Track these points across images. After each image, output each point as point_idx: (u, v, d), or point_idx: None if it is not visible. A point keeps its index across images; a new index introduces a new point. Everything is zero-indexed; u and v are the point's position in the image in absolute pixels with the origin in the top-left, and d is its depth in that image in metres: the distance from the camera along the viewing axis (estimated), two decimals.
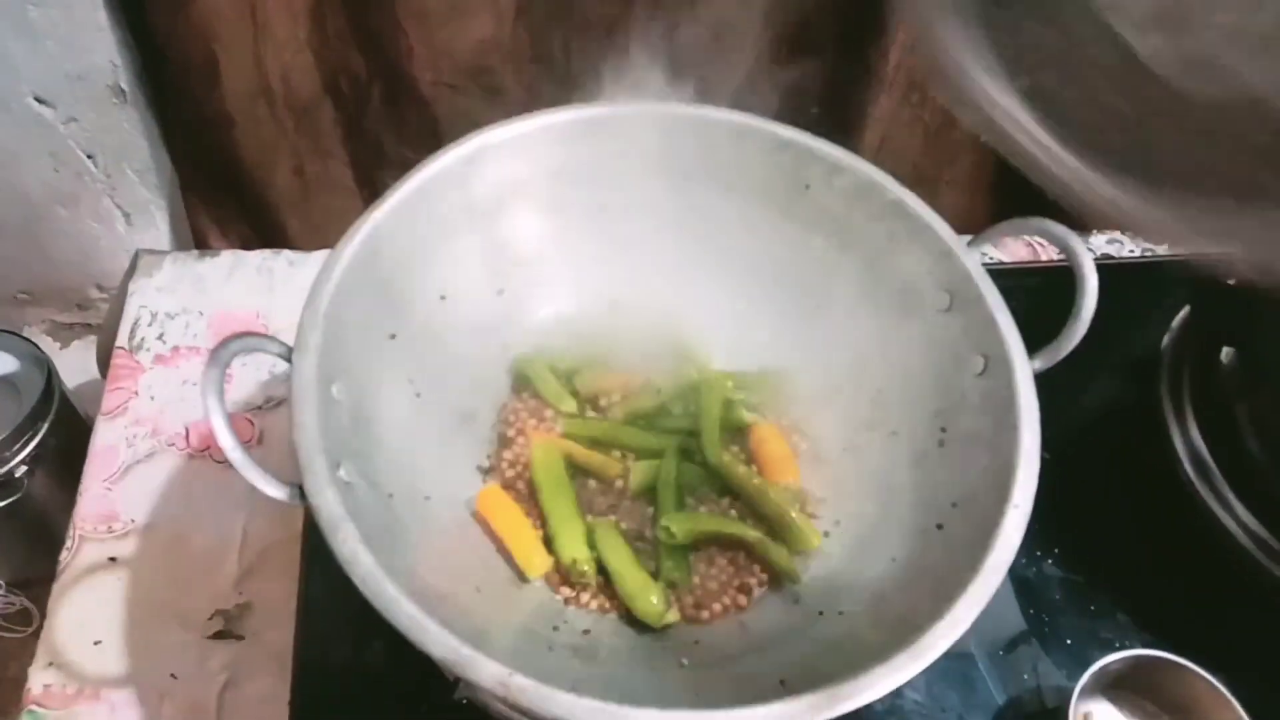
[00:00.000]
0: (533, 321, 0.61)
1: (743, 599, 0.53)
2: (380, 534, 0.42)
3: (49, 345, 1.05)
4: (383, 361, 0.50)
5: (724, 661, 0.48)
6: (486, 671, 0.37)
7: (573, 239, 0.59)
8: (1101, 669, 0.51)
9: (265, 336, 0.42)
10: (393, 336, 0.51)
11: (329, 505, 0.39)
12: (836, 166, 0.55)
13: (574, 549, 0.51)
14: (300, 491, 0.40)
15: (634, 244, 0.59)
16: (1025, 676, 0.56)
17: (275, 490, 0.40)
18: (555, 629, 0.49)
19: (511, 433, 0.58)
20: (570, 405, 0.59)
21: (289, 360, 0.43)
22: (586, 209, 0.59)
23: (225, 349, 0.40)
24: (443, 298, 0.55)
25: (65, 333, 1.07)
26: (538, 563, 0.51)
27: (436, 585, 0.43)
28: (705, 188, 0.59)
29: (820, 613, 0.49)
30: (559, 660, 0.46)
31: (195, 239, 0.90)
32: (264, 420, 0.68)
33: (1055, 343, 0.49)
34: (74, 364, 1.02)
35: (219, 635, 0.59)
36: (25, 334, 0.99)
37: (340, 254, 0.47)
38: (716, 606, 0.51)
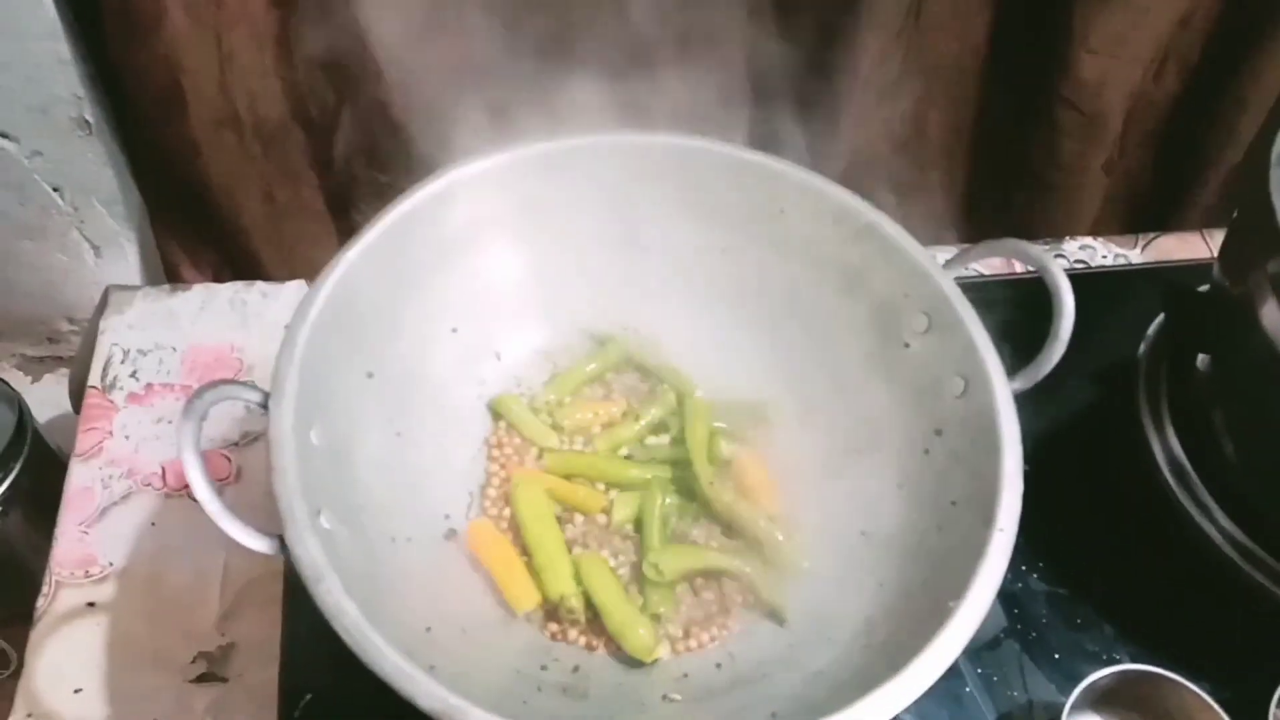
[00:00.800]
0: (511, 355, 0.60)
1: (732, 624, 0.52)
2: (363, 580, 0.41)
3: (19, 380, 1.03)
4: (361, 402, 0.50)
5: (713, 695, 0.47)
6: None
7: (548, 271, 0.59)
8: (1090, 685, 0.51)
9: (241, 384, 0.42)
10: (370, 375, 0.50)
11: (311, 556, 0.39)
12: (807, 190, 0.55)
13: (561, 585, 0.51)
14: (282, 542, 0.40)
15: (609, 274, 0.59)
16: (1014, 693, 0.56)
17: (256, 543, 0.40)
18: (544, 668, 0.48)
19: (494, 469, 0.57)
20: (551, 440, 0.58)
21: (266, 408, 0.42)
22: (561, 241, 0.58)
23: (200, 400, 0.40)
24: (419, 335, 0.54)
25: (36, 366, 1.06)
26: (526, 598, 0.51)
27: (421, 629, 0.43)
28: (679, 215, 0.59)
29: (807, 642, 0.48)
30: (548, 701, 0.45)
31: (166, 270, 0.89)
32: (241, 456, 0.67)
33: (1034, 364, 0.49)
34: (46, 398, 1.01)
35: (202, 678, 0.58)
36: None
37: (314, 295, 0.46)
38: (705, 636, 0.51)
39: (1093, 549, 0.62)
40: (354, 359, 0.50)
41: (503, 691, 0.45)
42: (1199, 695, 0.51)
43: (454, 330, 0.56)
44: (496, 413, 0.59)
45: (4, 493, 0.84)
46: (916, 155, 0.91)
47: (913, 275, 0.52)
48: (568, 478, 0.57)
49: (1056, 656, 0.58)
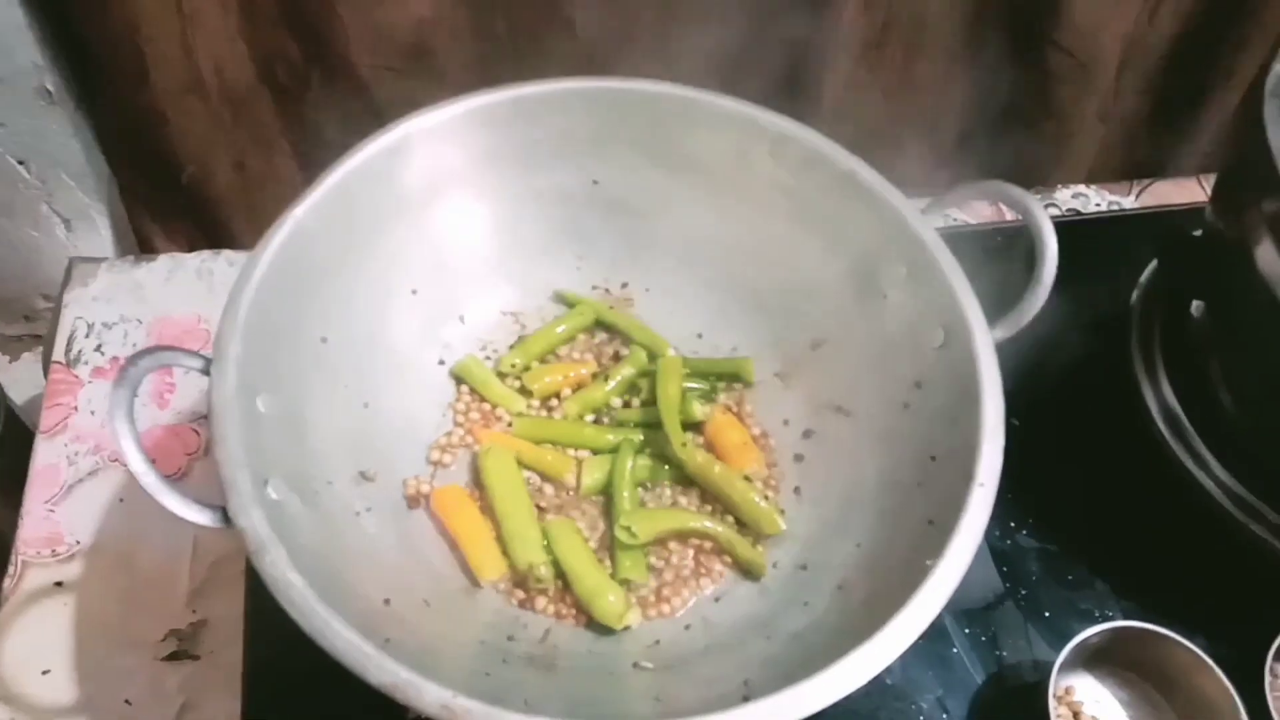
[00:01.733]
0: (475, 317, 0.59)
1: (706, 586, 0.51)
2: (316, 552, 0.40)
3: None
4: (315, 368, 0.48)
5: (685, 662, 0.46)
6: (429, 696, 0.35)
7: (511, 227, 0.56)
8: (1081, 642, 0.49)
9: (178, 350, 0.40)
10: (324, 340, 0.49)
11: (255, 527, 0.37)
12: (784, 137, 0.53)
13: (530, 553, 0.49)
14: (225, 514, 0.38)
15: (576, 230, 0.57)
16: (1004, 652, 0.55)
17: (197, 515, 0.38)
18: (511, 639, 0.47)
19: (459, 434, 0.56)
20: (519, 405, 0.56)
21: (208, 374, 0.40)
22: (524, 195, 0.56)
23: (135, 367, 0.38)
24: (376, 297, 0.52)
25: (14, 345, 1.04)
26: (491, 566, 0.49)
27: (379, 602, 0.41)
28: (649, 166, 0.56)
29: (784, 605, 0.47)
30: (514, 673, 0.44)
31: (139, 242, 0.87)
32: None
33: (1015, 310, 0.47)
34: (23, 376, 0.99)
35: (174, 656, 0.57)
36: None
37: (259, 257, 0.44)
38: (677, 600, 0.50)
39: (1084, 504, 0.61)
40: (305, 323, 0.48)
41: (465, 664, 0.43)
42: (1194, 652, 0.49)
43: (414, 292, 0.55)
44: (460, 378, 0.57)
45: None
46: (904, 105, 0.88)
47: (891, 223, 0.50)
48: (536, 443, 0.55)
49: (1047, 615, 0.56)
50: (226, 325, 0.42)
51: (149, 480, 0.37)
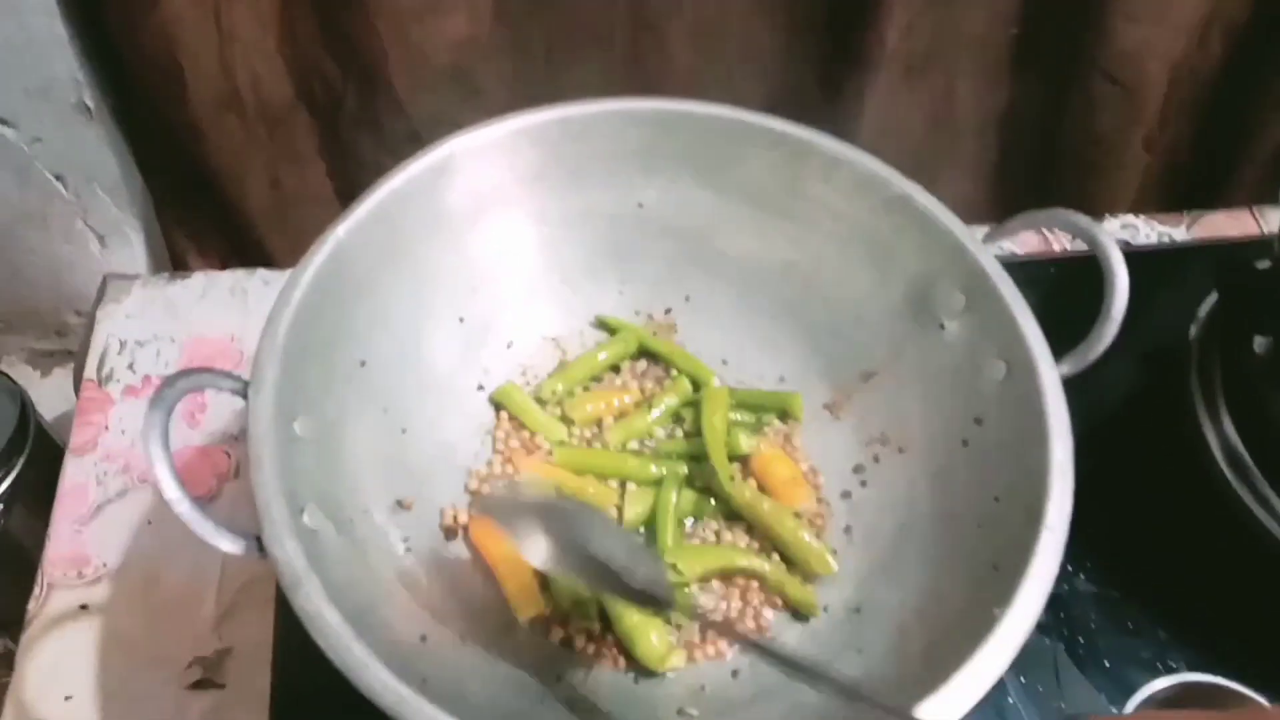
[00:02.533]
0: (516, 342, 0.57)
1: (755, 627, 0.49)
2: (351, 584, 0.38)
3: (28, 374, 1.02)
4: (353, 391, 0.46)
5: (733, 709, 0.44)
6: None
7: (554, 250, 0.55)
8: (1148, 699, 0.47)
9: (216, 372, 0.39)
10: (363, 363, 0.47)
11: (289, 558, 0.36)
12: (835, 160, 0.51)
13: (571, 588, 0.47)
14: (259, 542, 0.36)
15: (621, 253, 0.56)
16: (1062, 704, 0.52)
17: (231, 545, 0.37)
18: (549, 679, 0.45)
19: (499, 463, 0.54)
20: (559, 433, 0.55)
21: (245, 396, 0.39)
22: (568, 217, 0.55)
23: (171, 389, 0.36)
24: (416, 320, 0.51)
25: (45, 361, 1.04)
26: (529, 603, 0.47)
27: (415, 637, 0.39)
28: (697, 188, 0.55)
29: (836, 650, 0.45)
30: (553, 715, 0.42)
31: (172, 259, 0.87)
32: (242, 451, 0.64)
33: (1084, 344, 0.45)
34: (55, 392, 0.99)
35: (198, 684, 0.55)
36: (3, 364, 0.95)
37: (299, 277, 0.43)
38: (724, 643, 0.48)
39: (1144, 547, 0.58)
40: (344, 345, 0.46)
41: (502, 706, 0.41)
42: (1265, 708, 0.47)
43: (454, 315, 0.53)
44: (500, 404, 0.56)
45: (8, 488, 0.82)
46: (945, 133, 0.87)
47: (948, 250, 0.48)
48: (578, 474, 0.53)
49: (1106, 664, 0.54)
50: (265, 347, 0.41)
51: (183, 508, 0.36)
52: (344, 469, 0.44)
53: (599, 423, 0.56)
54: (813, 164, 0.52)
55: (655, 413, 0.55)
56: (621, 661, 0.47)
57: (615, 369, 0.58)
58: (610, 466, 0.53)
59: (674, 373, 0.57)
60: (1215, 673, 0.48)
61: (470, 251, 0.53)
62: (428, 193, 0.49)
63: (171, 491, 0.36)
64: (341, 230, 0.45)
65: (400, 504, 0.48)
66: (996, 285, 0.46)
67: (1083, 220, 0.45)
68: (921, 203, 0.49)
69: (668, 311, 0.59)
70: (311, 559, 0.36)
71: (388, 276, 0.49)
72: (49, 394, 0.97)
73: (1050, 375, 0.44)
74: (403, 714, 0.34)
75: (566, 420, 0.55)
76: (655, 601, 0.41)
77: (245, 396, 0.39)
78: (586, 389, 0.57)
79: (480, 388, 0.56)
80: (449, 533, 0.50)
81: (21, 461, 0.83)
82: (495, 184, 0.52)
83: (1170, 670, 0.52)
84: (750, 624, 0.49)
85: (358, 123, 0.78)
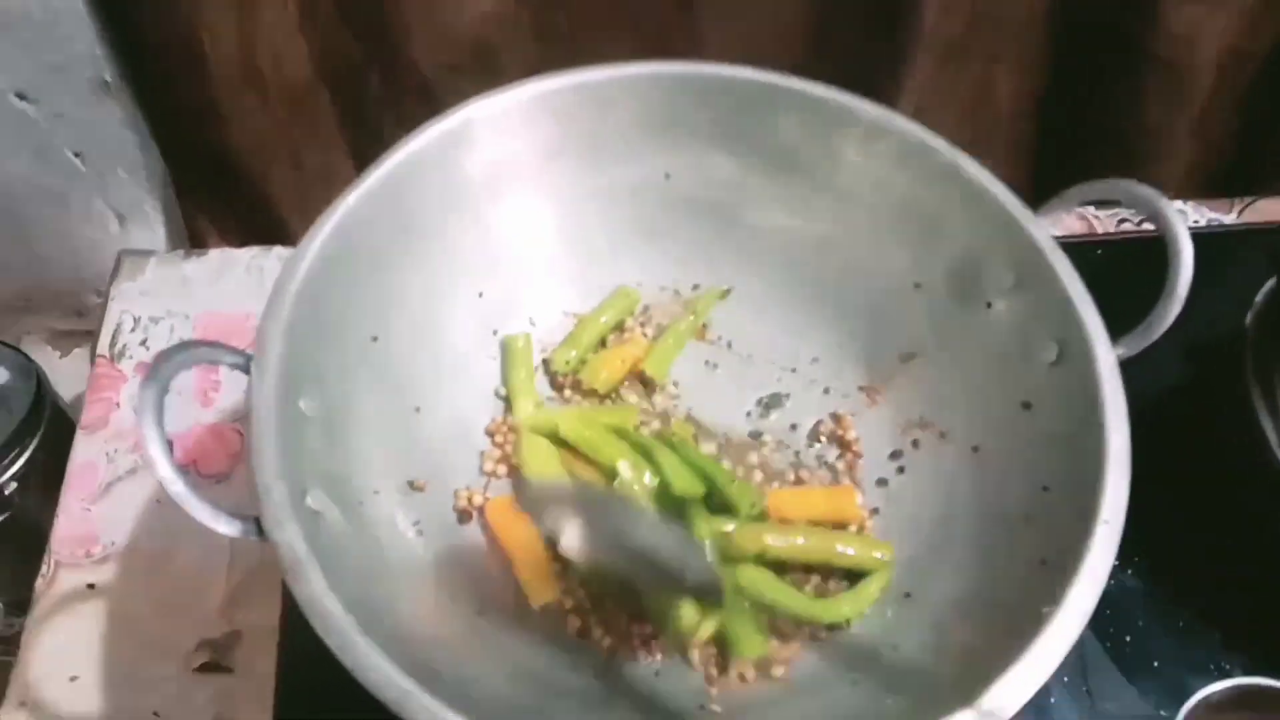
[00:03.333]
0: (535, 317, 0.55)
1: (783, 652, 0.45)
2: (355, 570, 0.36)
3: (48, 355, 1.01)
4: (364, 368, 0.44)
5: (758, 708, 0.41)
6: None
7: (576, 223, 0.53)
8: (1200, 702, 0.44)
9: (216, 345, 0.37)
10: (375, 339, 0.45)
11: (290, 542, 0.34)
12: (878, 128, 0.48)
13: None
14: (259, 525, 0.34)
15: (646, 227, 0.54)
16: (1108, 705, 0.49)
17: (228, 526, 0.35)
18: (563, 672, 0.43)
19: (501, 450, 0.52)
20: (527, 406, 0.52)
21: (247, 371, 0.37)
22: (590, 189, 0.53)
23: (167, 362, 0.35)
24: (431, 294, 0.49)
25: (65, 341, 1.04)
26: (542, 589, 0.45)
27: (425, 626, 0.37)
28: (727, 159, 0.52)
29: (870, 647, 0.42)
30: (565, 710, 0.40)
31: (191, 239, 0.86)
32: None
33: (1145, 323, 0.42)
34: (74, 372, 0.98)
35: (205, 668, 0.54)
36: (24, 343, 0.95)
37: (307, 247, 0.41)
38: (751, 672, 0.44)
39: (1197, 544, 0.55)
40: (355, 320, 0.44)
41: (514, 701, 0.39)
42: None
43: (472, 289, 0.51)
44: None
45: (21, 467, 0.81)
46: (984, 118, 0.84)
47: (999, 224, 0.45)
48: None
49: (1156, 665, 0.51)
50: (270, 320, 0.39)
51: (176, 488, 0.34)
52: (353, 449, 0.42)
53: (619, 383, 0.54)
54: (852, 131, 0.49)
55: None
56: (641, 654, 0.44)
57: (620, 328, 0.56)
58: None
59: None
60: (1273, 675, 0.45)
61: (489, 224, 0.51)
62: (443, 161, 0.47)
63: (164, 470, 0.34)
64: (352, 198, 0.43)
65: (412, 485, 0.46)
66: (1051, 262, 0.43)
67: (1146, 191, 0.42)
68: (971, 173, 0.46)
69: (695, 287, 0.57)
70: (314, 543, 0.34)
71: (402, 249, 0.47)
72: (68, 375, 0.96)
73: (1107, 358, 0.41)
74: (407, 709, 0.32)
75: (589, 392, 0.53)
76: (705, 592, 0.39)
77: (248, 371, 0.37)
78: (598, 354, 0.55)
79: (494, 359, 0.53)
80: (463, 516, 0.48)
81: (36, 441, 0.82)
82: (514, 152, 0.50)
83: (1224, 673, 0.49)
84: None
85: (380, 102, 0.76)
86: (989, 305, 0.47)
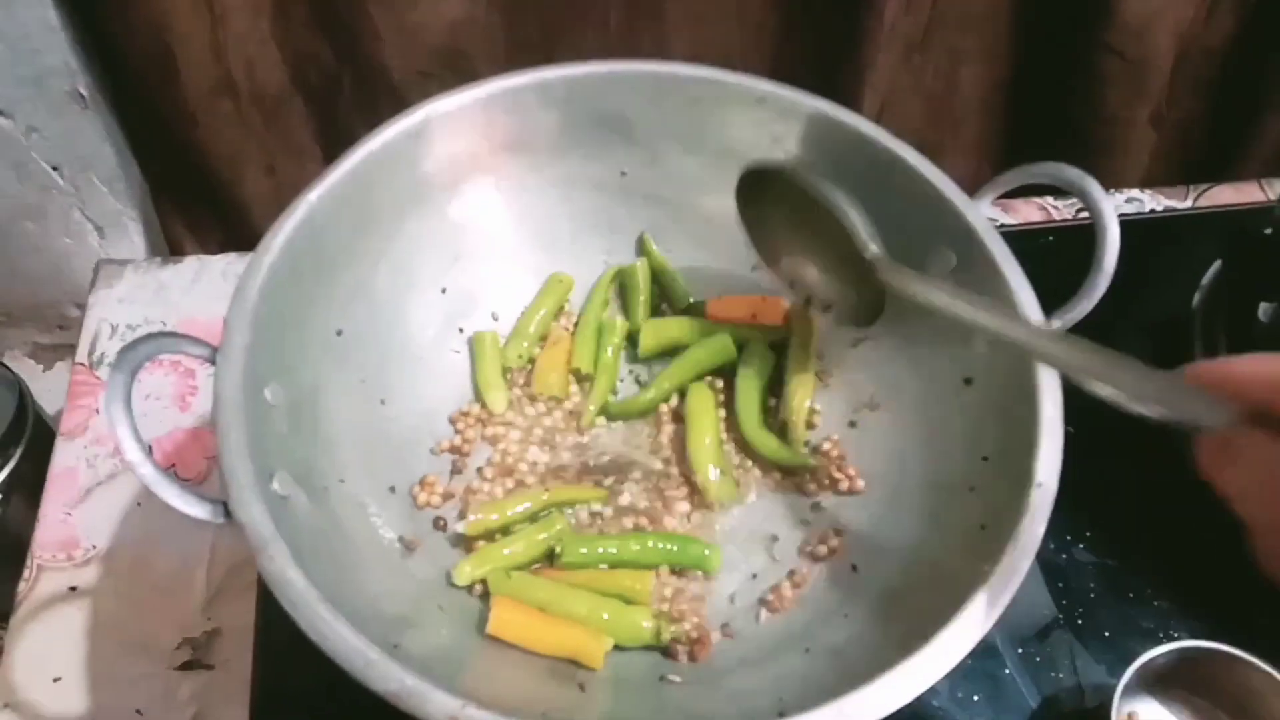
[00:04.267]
0: (497, 309, 0.56)
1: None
2: (321, 551, 0.37)
3: (31, 368, 1.02)
4: (329, 360, 0.46)
5: (717, 676, 0.43)
6: (435, 705, 0.32)
7: (536, 218, 0.54)
8: (1145, 664, 0.46)
9: (182, 336, 0.38)
10: (339, 333, 0.46)
11: (255, 521, 0.35)
12: (820, 121, 0.50)
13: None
14: (226, 508, 0.36)
15: (605, 220, 0.55)
16: (1060, 675, 0.51)
17: (196, 509, 0.36)
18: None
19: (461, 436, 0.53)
20: (500, 404, 0.54)
21: (213, 362, 0.38)
22: (549, 184, 0.54)
23: (134, 352, 0.36)
24: (394, 287, 0.50)
25: (47, 354, 1.04)
26: (595, 650, 0.44)
27: (389, 605, 0.38)
28: (681, 153, 0.54)
29: (824, 615, 0.44)
30: (533, 683, 0.41)
31: (170, 248, 0.87)
32: None
33: (1074, 299, 0.44)
34: (56, 385, 0.99)
35: (187, 665, 0.55)
36: (7, 358, 0.95)
37: (270, 243, 0.42)
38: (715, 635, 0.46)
39: (1144, 517, 0.57)
40: (320, 313, 0.46)
41: (481, 673, 0.40)
42: (1268, 674, 0.45)
43: (435, 283, 0.52)
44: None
45: (5, 479, 0.82)
46: (947, 111, 0.86)
47: (938, 210, 0.47)
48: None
49: (1106, 634, 0.53)
50: (235, 312, 0.40)
51: (145, 470, 0.35)
52: (319, 438, 0.44)
53: (566, 389, 0.55)
54: (796, 125, 0.51)
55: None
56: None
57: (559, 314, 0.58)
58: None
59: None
60: (1218, 641, 0.47)
61: (450, 219, 0.52)
62: (404, 158, 0.48)
63: (133, 454, 0.35)
64: (314, 195, 0.44)
65: (378, 473, 0.47)
66: (986, 243, 0.45)
67: (1073, 173, 0.44)
68: (911, 162, 0.48)
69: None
70: (279, 524, 0.36)
71: (365, 244, 0.48)
72: (51, 387, 0.97)
73: None
74: (368, 677, 0.33)
75: (541, 398, 0.55)
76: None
77: (214, 362, 0.39)
78: (545, 349, 0.56)
79: (461, 356, 0.55)
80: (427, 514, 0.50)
81: (19, 452, 0.83)
82: (474, 150, 0.51)
83: (1171, 639, 0.50)
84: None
85: (353, 109, 0.77)
86: None
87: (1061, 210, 0.76)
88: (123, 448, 0.35)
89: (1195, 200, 0.79)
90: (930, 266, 0.48)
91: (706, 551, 0.48)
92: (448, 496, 0.51)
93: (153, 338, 0.37)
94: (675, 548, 0.48)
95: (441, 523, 0.49)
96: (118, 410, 0.35)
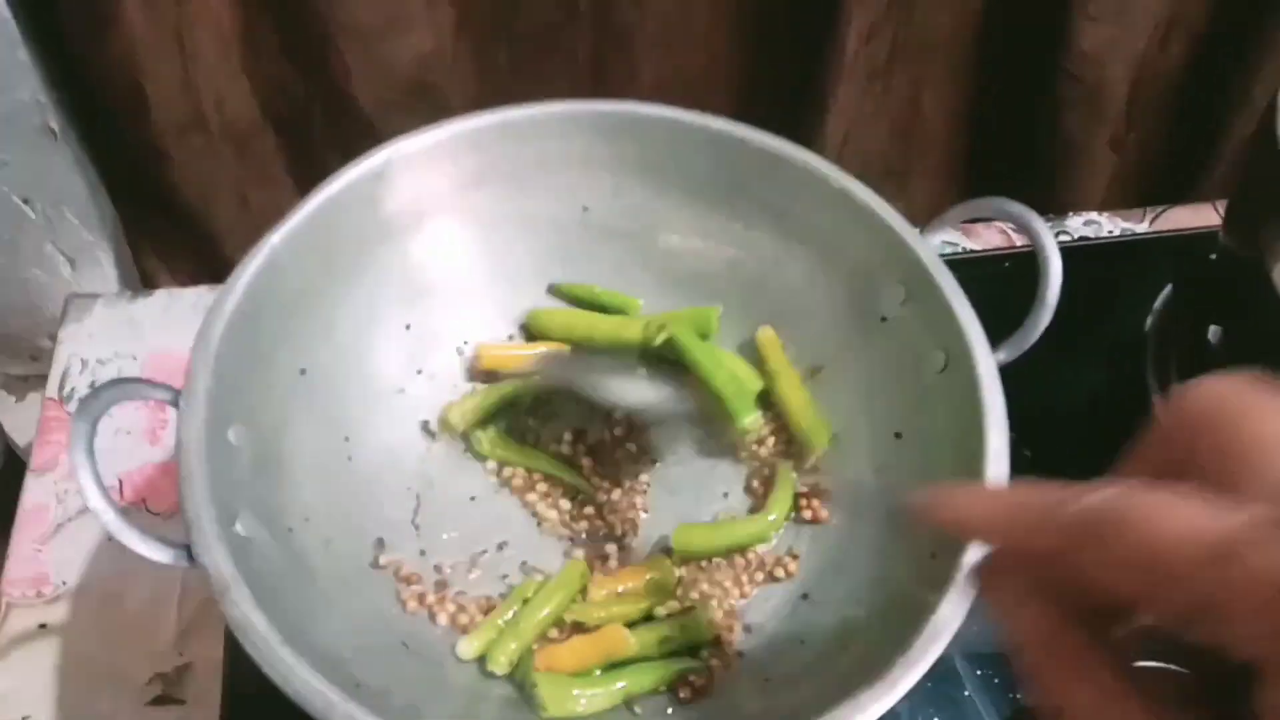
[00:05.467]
0: (465, 347, 0.57)
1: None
2: (284, 592, 0.38)
3: (3, 399, 1.01)
4: (293, 401, 0.46)
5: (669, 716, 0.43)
6: None
7: (499, 255, 0.55)
8: None
9: (144, 382, 0.39)
10: (303, 372, 0.47)
11: (217, 564, 0.35)
12: (774, 158, 0.51)
13: None
14: (189, 552, 0.36)
15: (567, 256, 0.56)
16: (1019, 695, 0.52)
17: (160, 554, 0.37)
18: (511, 690, 0.44)
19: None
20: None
21: (176, 405, 0.39)
22: (512, 221, 0.55)
23: (96, 399, 0.36)
24: (357, 328, 0.51)
25: (19, 385, 1.04)
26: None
27: (352, 645, 0.39)
28: (641, 190, 0.55)
29: (780, 645, 0.44)
30: (500, 716, 0.42)
31: (143, 280, 0.87)
32: None
33: (1019, 332, 0.45)
34: (29, 417, 0.98)
35: (159, 700, 0.55)
36: None
37: (232, 286, 0.43)
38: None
39: None
40: (283, 354, 0.46)
41: (447, 710, 0.41)
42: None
43: (398, 321, 0.53)
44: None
45: None
46: (911, 138, 0.87)
47: (888, 243, 0.48)
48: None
49: None
50: (197, 356, 0.41)
51: (108, 517, 0.36)
52: (283, 478, 0.44)
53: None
54: (751, 162, 0.52)
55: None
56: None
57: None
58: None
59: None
60: (1175, 663, 0.48)
61: (414, 258, 0.53)
62: (366, 199, 0.49)
63: (96, 501, 0.35)
64: (277, 238, 0.45)
65: (343, 513, 0.48)
66: (934, 276, 0.46)
67: (1016, 207, 0.45)
68: (860, 198, 0.49)
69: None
70: (242, 566, 0.36)
71: (328, 284, 0.49)
72: (23, 419, 0.96)
73: (986, 362, 0.44)
74: (333, 718, 0.33)
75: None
76: None
77: (177, 405, 0.39)
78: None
79: (426, 398, 0.55)
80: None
81: None
82: (436, 190, 0.52)
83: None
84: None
85: (324, 141, 0.78)
86: (884, 319, 0.50)
87: (1023, 236, 0.78)
88: (86, 495, 0.36)
89: (1152, 222, 0.81)
90: (881, 301, 0.49)
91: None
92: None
93: (115, 384, 0.38)
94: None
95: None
96: (80, 457, 0.36)
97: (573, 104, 0.52)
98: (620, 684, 0.44)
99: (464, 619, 0.47)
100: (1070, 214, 0.81)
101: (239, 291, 0.43)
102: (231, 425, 0.41)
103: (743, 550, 0.49)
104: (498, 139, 0.52)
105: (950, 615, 0.36)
